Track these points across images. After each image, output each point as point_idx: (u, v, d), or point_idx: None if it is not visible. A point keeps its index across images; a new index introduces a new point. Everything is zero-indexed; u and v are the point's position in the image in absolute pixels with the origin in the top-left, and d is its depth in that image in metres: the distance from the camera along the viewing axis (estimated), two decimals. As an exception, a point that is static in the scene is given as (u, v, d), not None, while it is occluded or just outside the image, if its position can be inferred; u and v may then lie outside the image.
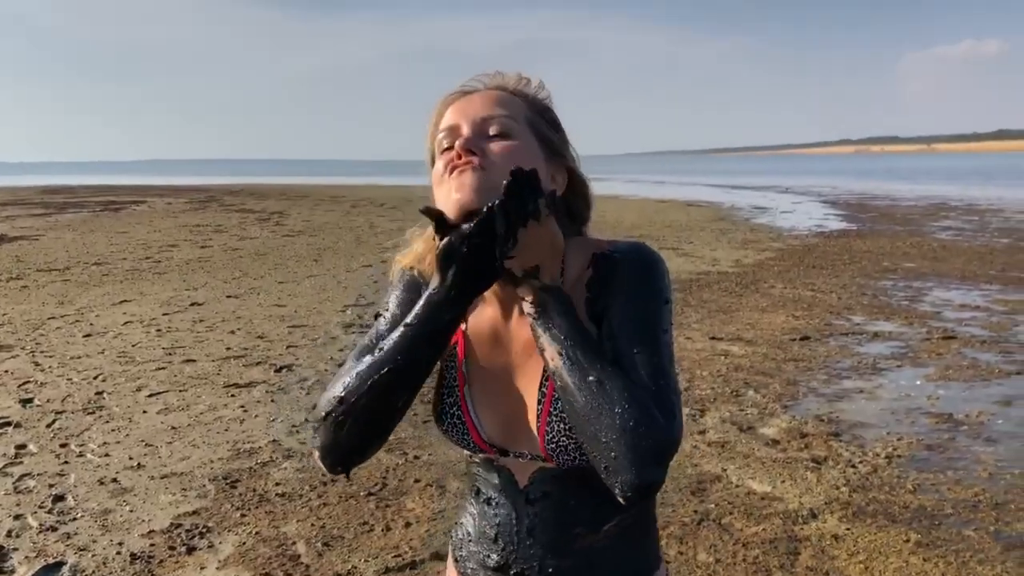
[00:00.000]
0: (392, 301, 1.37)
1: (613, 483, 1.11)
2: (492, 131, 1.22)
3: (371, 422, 1.20)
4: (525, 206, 1.12)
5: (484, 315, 1.33)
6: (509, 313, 1.30)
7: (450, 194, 1.18)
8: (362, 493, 4.35)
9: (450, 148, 1.23)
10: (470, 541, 1.35)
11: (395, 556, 3.67)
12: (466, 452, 1.37)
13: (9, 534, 3.94)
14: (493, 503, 1.32)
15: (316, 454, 1.25)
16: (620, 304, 1.22)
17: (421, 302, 1.18)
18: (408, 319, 1.19)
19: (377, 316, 1.37)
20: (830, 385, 6.27)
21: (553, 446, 1.23)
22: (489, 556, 1.31)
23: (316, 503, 4.25)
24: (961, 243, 15.69)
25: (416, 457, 4.83)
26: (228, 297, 10.49)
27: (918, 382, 6.33)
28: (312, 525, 4.00)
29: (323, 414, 1.22)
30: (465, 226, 1.12)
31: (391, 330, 1.26)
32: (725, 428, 5.28)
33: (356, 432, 1.20)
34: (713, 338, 7.75)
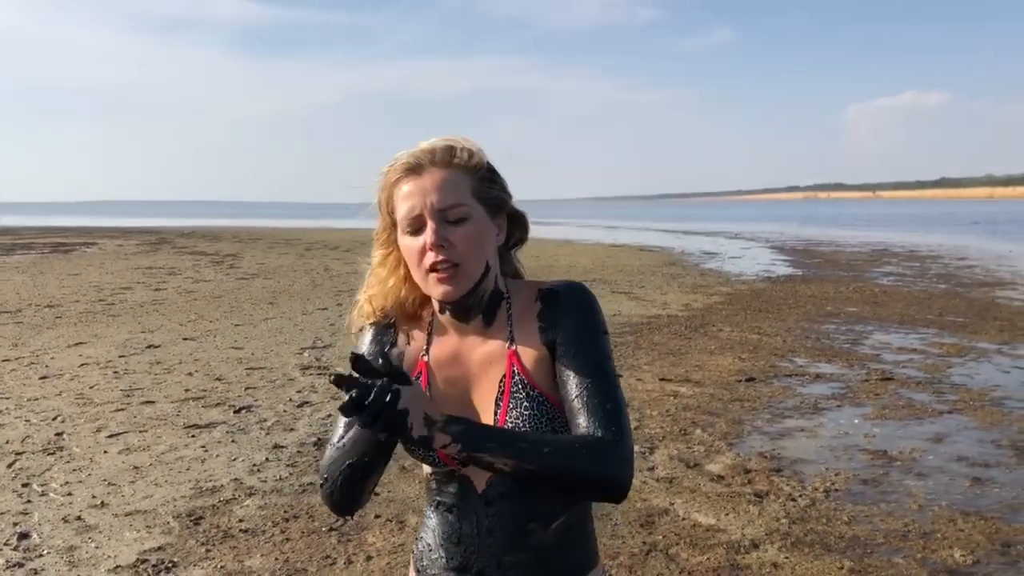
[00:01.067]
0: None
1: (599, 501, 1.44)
2: (451, 218, 1.47)
3: (351, 495, 1.50)
4: (368, 398, 1.30)
5: (444, 341, 1.56)
6: (465, 339, 1.55)
7: (435, 288, 1.47)
8: (324, 528, 4.49)
9: (415, 232, 1.48)
10: (431, 550, 1.56)
11: (357, 587, 3.82)
12: (427, 469, 1.57)
13: (-24, 571, 4.02)
14: (454, 510, 1.53)
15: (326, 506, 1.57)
16: (571, 339, 1.48)
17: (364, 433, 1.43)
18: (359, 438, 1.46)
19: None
20: (773, 424, 6.56)
21: None
22: (452, 559, 1.52)
23: (279, 538, 4.38)
24: (901, 288, 16.28)
25: (376, 494, 4.97)
26: (185, 339, 10.54)
27: (856, 421, 6.65)
28: (276, 559, 4.13)
29: (320, 483, 1.53)
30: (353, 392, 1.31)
31: None
32: (673, 465, 5.52)
33: (342, 499, 1.51)
34: (663, 379, 8.02)
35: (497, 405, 1.48)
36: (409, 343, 1.58)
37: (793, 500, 4.92)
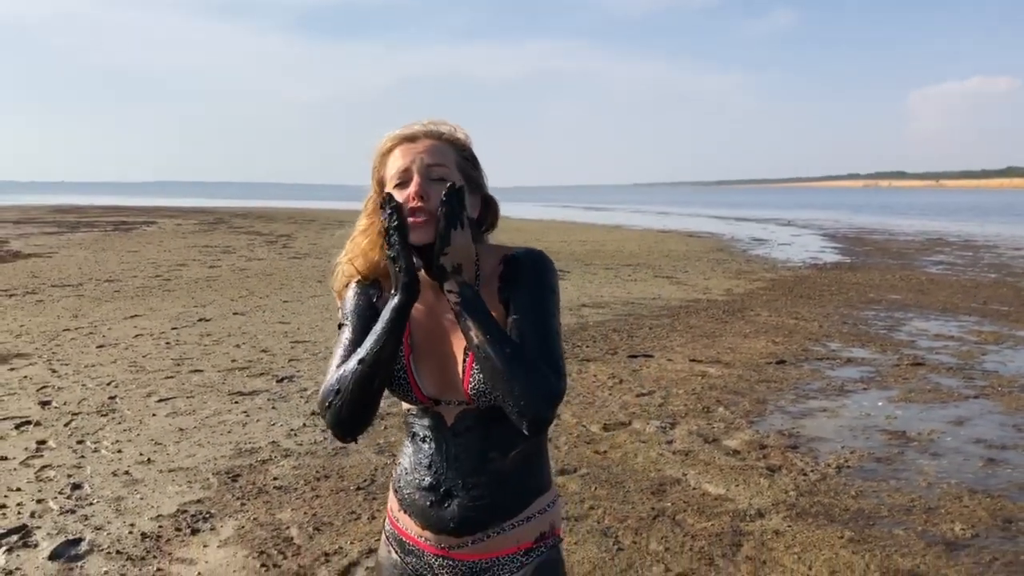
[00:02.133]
0: (350, 310, 1.82)
1: (520, 421, 1.61)
2: (434, 176, 1.71)
3: (360, 403, 1.68)
4: (457, 214, 1.63)
5: (424, 297, 1.78)
6: (441, 296, 1.77)
7: (411, 231, 1.67)
8: (352, 487, 4.78)
9: (402, 184, 1.71)
10: (406, 472, 1.80)
11: (378, 540, 4.07)
12: (405, 406, 1.81)
13: (32, 515, 4.37)
14: (427, 440, 1.77)
15: (330, 432, 1.74)
16: (522, 295, 1.72)
17: (388, 310, 1.66)
18: (379, 325, 1.68)
19: (341, 326, 1.82)
20: (796, 404, 6.69)
21: (474, 392, 1.69)
22: (423, 480, 1.76)
23: (309, 495, 4.67)
24: (949, 277, 16.11)
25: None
26: (235, 314, 10.96)
27: (880, 403, 6.74)
28: (305, 513, 4.42)
29: (326, 403, 1.71)
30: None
31: (357, 333, 1.76)
32: (691, 439, 5.70)
33: (351, 410, 1.68)
34: (693, 360, 8.17)
35: (466, 353, 1.71)
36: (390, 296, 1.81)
37: (804, 475, 5.07)
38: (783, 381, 7.42)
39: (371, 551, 3.98)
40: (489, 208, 1.84)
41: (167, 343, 8.94)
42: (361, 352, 1.68)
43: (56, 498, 4.61)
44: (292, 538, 4.13)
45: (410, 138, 1.76)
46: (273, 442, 5.61)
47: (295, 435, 5.76)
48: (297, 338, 9.26)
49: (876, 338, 9.52)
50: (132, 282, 14.31)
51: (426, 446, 1.77)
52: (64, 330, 9.69)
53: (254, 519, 4.35)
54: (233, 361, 8.08)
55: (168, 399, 6.68)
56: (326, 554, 3.95)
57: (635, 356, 8.38)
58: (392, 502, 1.86)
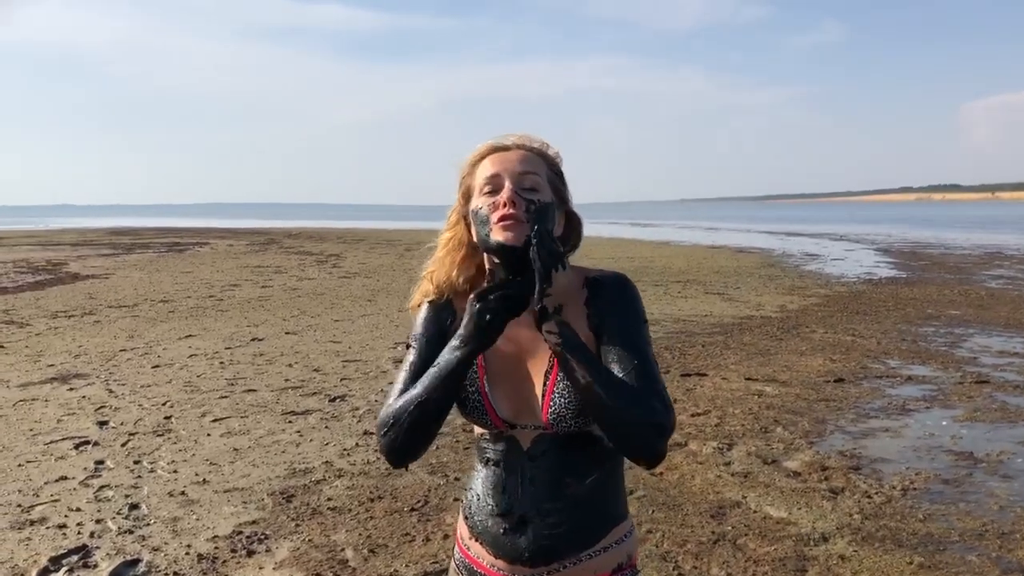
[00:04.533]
0: (419, 333, 1.79)
1: (635, 457, 1.59)
2: (526, 184, 1.67)
3: (414, 439, 1.66)
4: (558, 255, 1.61)
5: None
6: (519, 317, 1.71)
7: (499, 234, 1.63)
8: (406, 509, 4.74)
9: (492, 192, 1.67)
10: (478, 499, 1.74)
11: (433, 563, 4.04)
12: (478, 430, 1.76)
13: (92, 535, 4.40)
14: (501, 464, 1.71)
15: (382, 456, 1.74)
16: (616, 325, 1.68)
17: (455, 354, 1.62)
18: (442, 364, 1.64)
19: (408, 346, 1.78)
20: (857, 424, 6.51)
21: (554, 417, 1.64)
22: (497, 506, 1.70)
23: (364, 516, 4.64)
24: (1011, 292, 15.69)
25: (456, 479, 5.21)
26: (287, 333, 11.04)
27: (944, 422, 6.54)
28: (359, 535, 4.39)
29: (381, 432, 1.68)
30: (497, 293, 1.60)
31: (422, 359, 1.72)
32: (750, 461, 5.57)
33: (404, 444, 1.67)
34: (748, 379, 8.02)
35: (546, 377, 1.66)
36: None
37: (868, 497, 4.92)
38: (842, 400, 7.24)
39: (425, 574, 3.93)
40: (572, 226, 1.79)
41: (221, 363, 9.03)
42: (419, 392, 1.65)
43: (115, 518, 4.64)
44: (347, 560, 4.09)
45: (502, 148, 1.73)
46: (327, 462, 5.60)
47: (348, 455, 5.74)
48: (348, 357, 9.29)
49: (937, 355, 9.26)
50: (186, 303, 14.52)
51: (499, 471, 1.71)
52: (120, 350, 9.84)
53: (309, 540, 4.33)
54: (286, 381, 8.12)
55: (222, 419, 6.72)
56: (381, 577, 3.91)
57: (688, 375, 8.25)
58: (462, 529, 1.80)
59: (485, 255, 1.72)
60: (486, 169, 1.70)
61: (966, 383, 7.87)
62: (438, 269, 1.81)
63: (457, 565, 1.81)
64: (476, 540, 1.74)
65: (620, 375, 1.60)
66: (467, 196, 1.74)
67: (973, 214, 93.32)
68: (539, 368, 1.68)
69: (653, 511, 4.68)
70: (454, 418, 5.54)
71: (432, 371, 1.65)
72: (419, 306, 1.83)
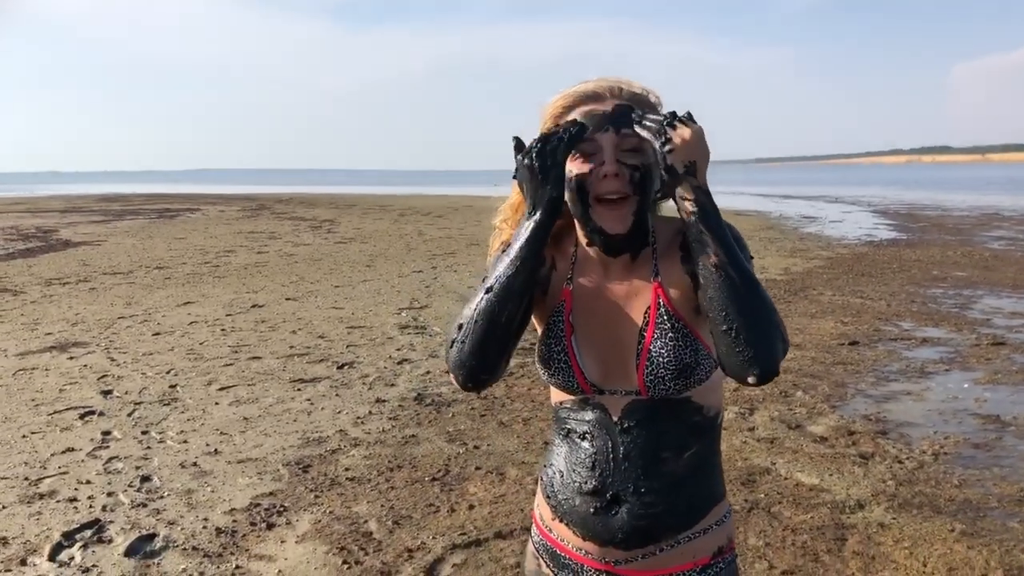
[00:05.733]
0: (494, 262, 1.62)
1: (748, 368, 1.37)
2: (626, 147, 1.47)
3: (487, 341, 1.47)
4: (664, 116, 1.43)
5: (590, 274, 1.56)
6: (610, 273, 1.54)
7: (604, 218, 1.48)
8: (427, 478, 4.60)
9: (586, 156, 1.48)
10: (562, 475, 1.57)
11: (461, 534, 3.91)
12: (555, 398, 1.59)
13: (104, 508, 4.25)
14: (588, 437, 1.54)
15: (451, 376, 1.52)
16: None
17: (523, 229, 1.47)
18: (512, 247, 1.48)
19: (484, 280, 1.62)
20: (878, 387, 6.39)
21: (651, 379, 1.47)
22: (586, 483, 1.53)
23: (384, 487, 4.50)
24: (1014, 252, 15.58)
25: (476, 447, 5.07)
26: (287, 300, 10.85)
27: (966, 385, 6.43)
28: (382, 506, 4.25)
29: (450, 341, 1.50)
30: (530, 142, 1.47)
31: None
32: (774, 426, 5.44)
33: (475, 351, 1.47)
34: (761, 342, 7.88)
35: (641, 336, 1.49)
36: (554, 270, 1.59)
37: (900, 462, 4.80)
38: (859, 363, 7.11)
39: (454, 547, 3.80)
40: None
41: (223, 330, 8.85)
42: (489, 279, 1.47)
43: (126, 491, 4.49)
44: (371, 532, 3.96)
45: (594, 98, 1.51)
46: (341, 431, 5.45)
47: (362, 423, 5.59)
48: (352, 323, 9.12)
49: (949, 317, 9.14)
50: (181, 269, 14.30)
51: (587, 444, 1.54)
52: (119, 317, 9.65)
53: (330, 512, 4.19)
54: (291, 348, 7.95)
55: (229, 387, 6.56)
56: (409, 550, 3.77)
57: (700, 338, 8.11)
58: (543, 509, 1.64)
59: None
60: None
61: (982, 345, 7.75)
62: (512, 215, 1.64)
63: (536, 548, 1.65)
64: (561, 521, 1.57)
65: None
66: None
67: (965, 175, 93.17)
68: (633, 325, 1.51)
69: (681, 479, 4.55)
70: (458, 393, 5.40)
71: (500, 260, 1.49)
72: (496, 249, 1.66)
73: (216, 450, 5.13)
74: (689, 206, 1.40)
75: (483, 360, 1.47)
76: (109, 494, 4.44)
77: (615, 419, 1.52)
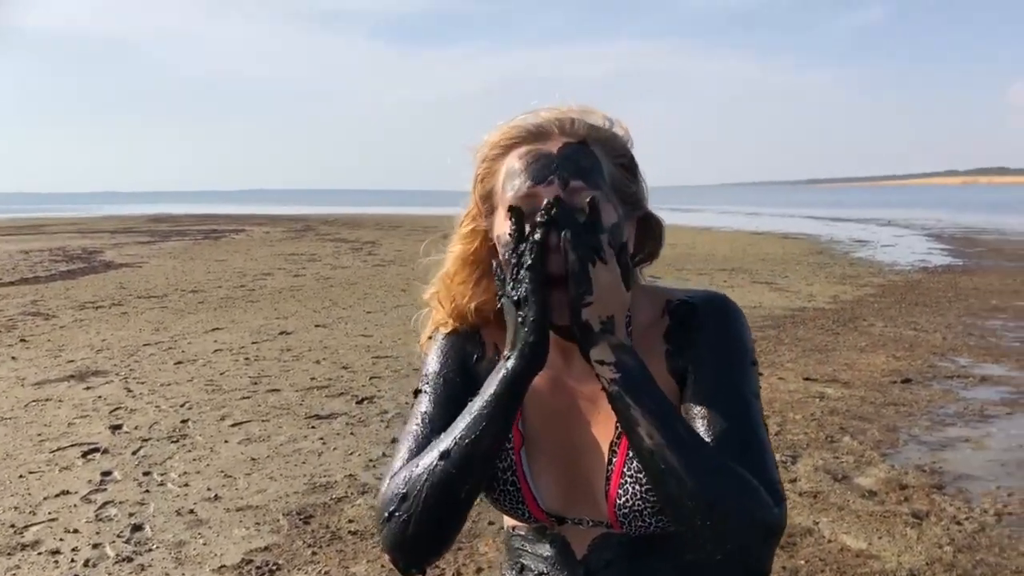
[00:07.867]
0: (433, 372, 1.27)
1: (731, 568, 1.01)
2: (579, 205, 1.09)
3: (436, 518, 1.11)
4: (591, 241, 1.05)
5: (548, 362, 1.15)
6: (572, 363, 1.18)
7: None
8: (435, 534, 4.24)
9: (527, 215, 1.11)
10: None
11: (464, 604, 3.54)
12: (509, 522, 1.24)
13: (87, 564, 3.96)
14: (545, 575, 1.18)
15: (386, 556, 1.15)
16: (710, 369, 1.12)
17: (497, 381, 1.09)
18: (479, 400, 1.10)
19: (417, 392, 1.27)
20: (933, 432, 5.90)
21: (625, 511, 1.11)
22: None
23: (388, 543, 4.16)
24: (1079, 281, 14.83)
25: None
26: (316, 326, 10.61)
27: (1031, 432, 5.91)
28: (382, 566, 3.91)
29: (386, 513, 1.12)
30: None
31: (439, 408, 1.21)
32: (818, 477, 5.00)
33: (420, 531, 1.10)
34: (807, 379, 7.42)
35: (612, 451, 1.14)
36: (497, 359, 1.20)
37: (958, 524, 4.33)
38: (913, 404, 6.62)
39: (456, 618, 3.43)
40: (649, 230, 1.22)
41: (246, 359, 8.61)
42: (445, 441, 1.10)
43: (114, 542, 4.20)
44: (367, 599, 3.61)
45: (538, 136, 1.14)
46: (350, 475, 5.12)
47: (373, 467, 5.26)
48: (379, 353, 8.82)
49: (1010, 352, 8.58)
50: (216, 292, 14.17)
51: None
52: (144, 345, 9.47)
53: (325, 572, 3.86)
54: (312, 379, 7.67)
55: (242, 423, 6.27)
56: (405, 621, 3.41)
57: (742, 374, 7.67)
58: None
59: None
60: (517, 174, 1.13)
61: (1048, 385, 7.21)
62: (460, 293, 1.29)
63: None
64: None
65: (710, 441, 1.05)
66: (487, 199, 1.19)
67: (1023, 198, 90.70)
68: (603, 437, 1.15)
69: (713, 540, 4.14)
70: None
71: (463, 416, 1.11)
72: (430, 338, 1.32)
73: (216, 495, 4.83)
74: (609, 372, 1.05)
75: (435, 543, 1.14)
76: (95, 546, 4.15)
77: (579, 557, 1.16)
